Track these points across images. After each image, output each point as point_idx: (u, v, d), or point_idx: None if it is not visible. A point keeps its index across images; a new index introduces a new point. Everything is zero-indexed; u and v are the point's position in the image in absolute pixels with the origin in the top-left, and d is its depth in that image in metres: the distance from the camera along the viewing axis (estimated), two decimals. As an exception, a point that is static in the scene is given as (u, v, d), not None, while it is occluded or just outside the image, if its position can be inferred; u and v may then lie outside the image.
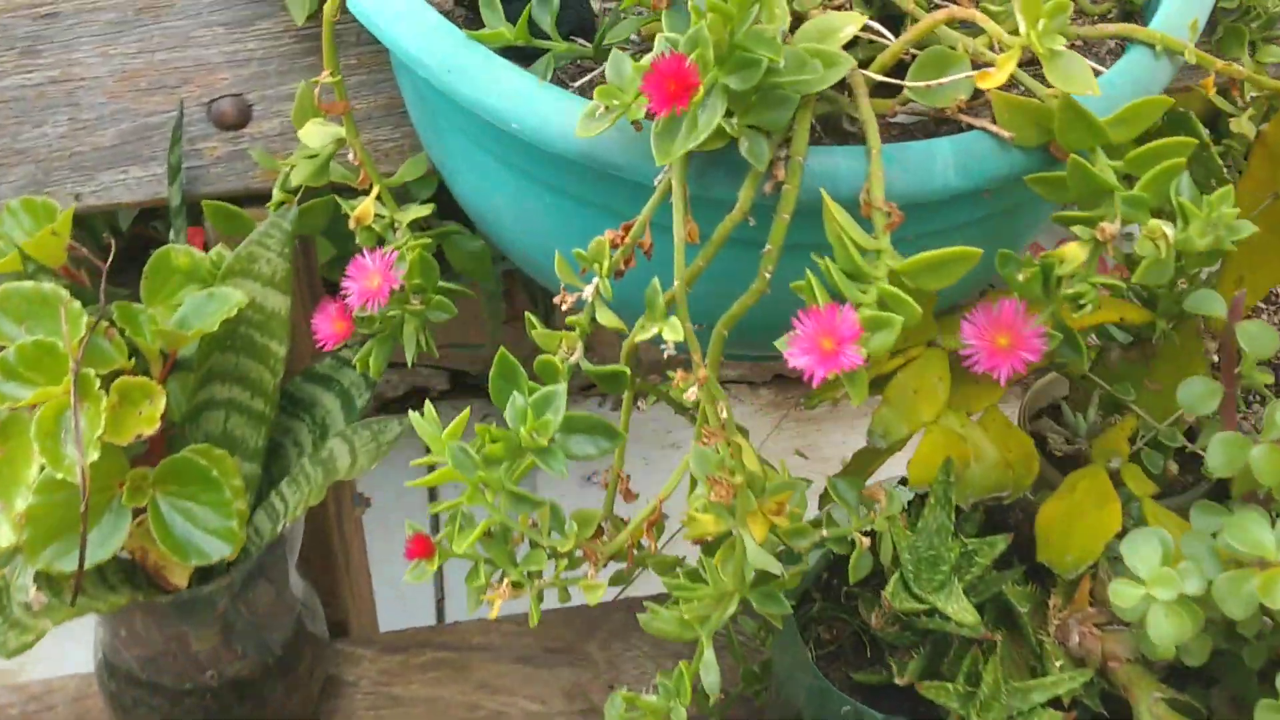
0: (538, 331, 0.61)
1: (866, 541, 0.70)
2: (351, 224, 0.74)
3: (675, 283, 0.58)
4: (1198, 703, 0.70)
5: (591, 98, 0.58)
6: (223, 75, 0.80)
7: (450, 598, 1.57)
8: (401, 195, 0.76)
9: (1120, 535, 0.69)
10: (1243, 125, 0.74)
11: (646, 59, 0.56)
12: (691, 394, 0.60)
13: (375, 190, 0.74)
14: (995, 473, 0.73)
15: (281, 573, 0.85)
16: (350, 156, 0.73)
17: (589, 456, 0.61)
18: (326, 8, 0.67)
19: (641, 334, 0.59)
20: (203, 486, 0.74)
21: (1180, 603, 0.60)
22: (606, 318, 0.60)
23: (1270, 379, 0.67)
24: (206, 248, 0.79)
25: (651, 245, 0.59)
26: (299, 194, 0.77)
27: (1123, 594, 0.61)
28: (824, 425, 1.74)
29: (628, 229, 0.59)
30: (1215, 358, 0.75)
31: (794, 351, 0.55)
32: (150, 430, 0.70)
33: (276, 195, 0.78)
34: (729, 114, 0.55)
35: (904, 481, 0.83)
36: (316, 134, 0.74)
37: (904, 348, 0.73)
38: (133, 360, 0.74)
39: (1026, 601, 0.72)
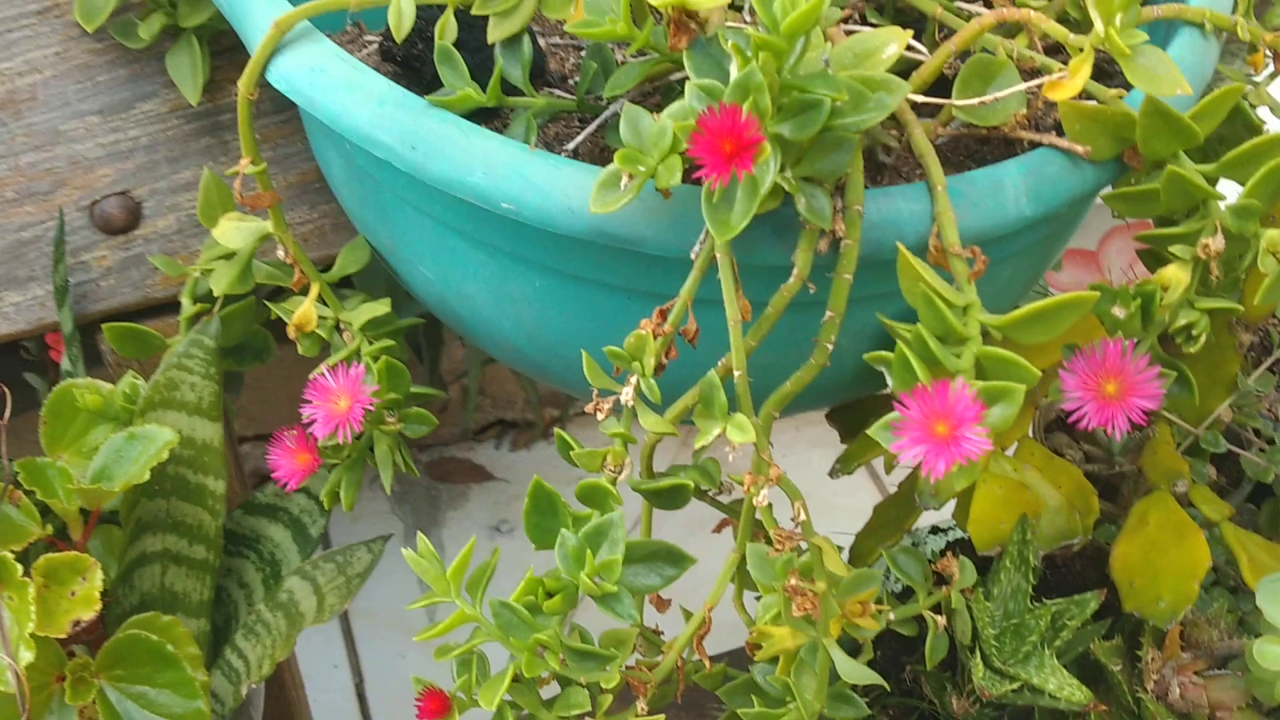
0: (577, 453, 0.50)
1: (942, 621, 0.61)
2: (291, 332, 0.63)
3: (736, 373, 0.49)
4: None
5: (589, 162, 0.49)
6: (103, 172, 0.68)
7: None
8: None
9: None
10: (1265, 96, 0.67)
11: (673, 110, 0.46)
12: (763, 497, 0.50)
13: (315, 290, 0.63)
14: (1062, 519, 0.65)
15: (248, 741, 0.73)
16: (281, 254, 0.62)
17: (653, 588, 0.51)
18: (242, 83, 0.56)
19: (703, 438, 0.49)
20: (156, 666, 0.62)
21: (1334, 654, 0.53)
22: (653, 423, 0.50)
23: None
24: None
25: (698, 331, 0.49)
26: (217, 302, 0.66)
27: (1268, 654, 0.54)
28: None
29: (664, 314, 0.50)
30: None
31: (903, 443, 0.46)
32: (90, 614, 0.58)
33: (187, 306, 0.67)
34: (781, 166, 0.46)
35: (935, 531, 0.75)
36: (235, 232, 0.63)
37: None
38: (47, 525, 0.62)
39: (1117, 659, 0.64)
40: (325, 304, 0.63)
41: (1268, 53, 0.60)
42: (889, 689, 0.69)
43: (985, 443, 0.45)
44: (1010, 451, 0.70)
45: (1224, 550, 0.66)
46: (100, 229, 0.69)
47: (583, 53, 0.61)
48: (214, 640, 0.70)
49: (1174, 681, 0.63)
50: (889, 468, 0.68)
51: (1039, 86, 0.51)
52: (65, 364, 0.69)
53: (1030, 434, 0.82)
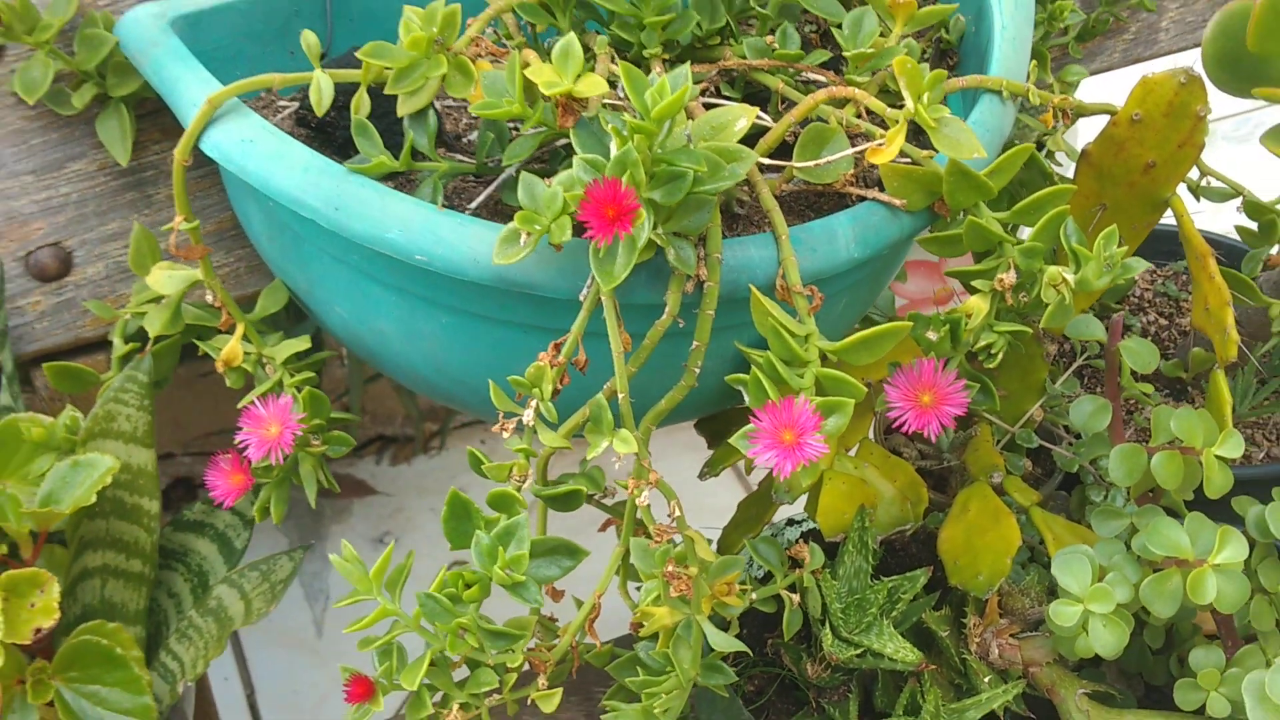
0: (488, 466, 0.59)
1: (796, 598, 0.72)
2: (219, 367, 0.71)
3: (619, 395, 0.58)
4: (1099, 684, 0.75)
5: (486, 217, 0.58)
6: (37, 225, 0.75)
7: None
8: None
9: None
10: (1059, 143, 0.79)
11: (562, 179, 0.56)
12: (644, 499, 0.60)
13: (240, 329, 0.71)
14: (896, 508, 0.76)
15: (183, 735, 0.80)
16: (209, 299, 0.70)
17: (553, 578, 0.60)
18: (177, 152, 0.64)
19: (593, 449, 0.59)
20: (106, 667, 0.69)
21: (1116, 612, 0.65)
22: (550, 439, 0.59)
23: (1150, 389, 0.72)
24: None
25: (587, 361, 0.59)
26: (149, 341, 0.73)
27: (1063, 613, 0.65)
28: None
29: (558, 347, 0.59)
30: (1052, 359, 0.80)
31: (758, 449, 0.56)
32: (50, 622, 0.65)
33: (119, 346, 0.74)
34: (654, 224, 0.56)
35: (790, 523, 0.86)
36: (167, 279, 0.70)
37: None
38: (1, 545, 0.69)
39: (945, 625, 0.75)
40: (249, 341, 0.71)
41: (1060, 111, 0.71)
42: (754, 659, 0.79)
43: (823, 447, 0.55)
44: (853, 452, 0.81)
45: (1036, 531, 0.78)
46: (35, 277, 0.76)
47: (473, 114, 0.70)
48: (148, 647, 0.78)
49: (993, 644, 0.75)
50: (749, 470, 0.78)
51: (864, 151, 0.62)
52: (6, 399, 0.76)
53: (870, 436, 0.93)
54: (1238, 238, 0.84)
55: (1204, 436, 0.65)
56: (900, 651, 0.70)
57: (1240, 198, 0.78)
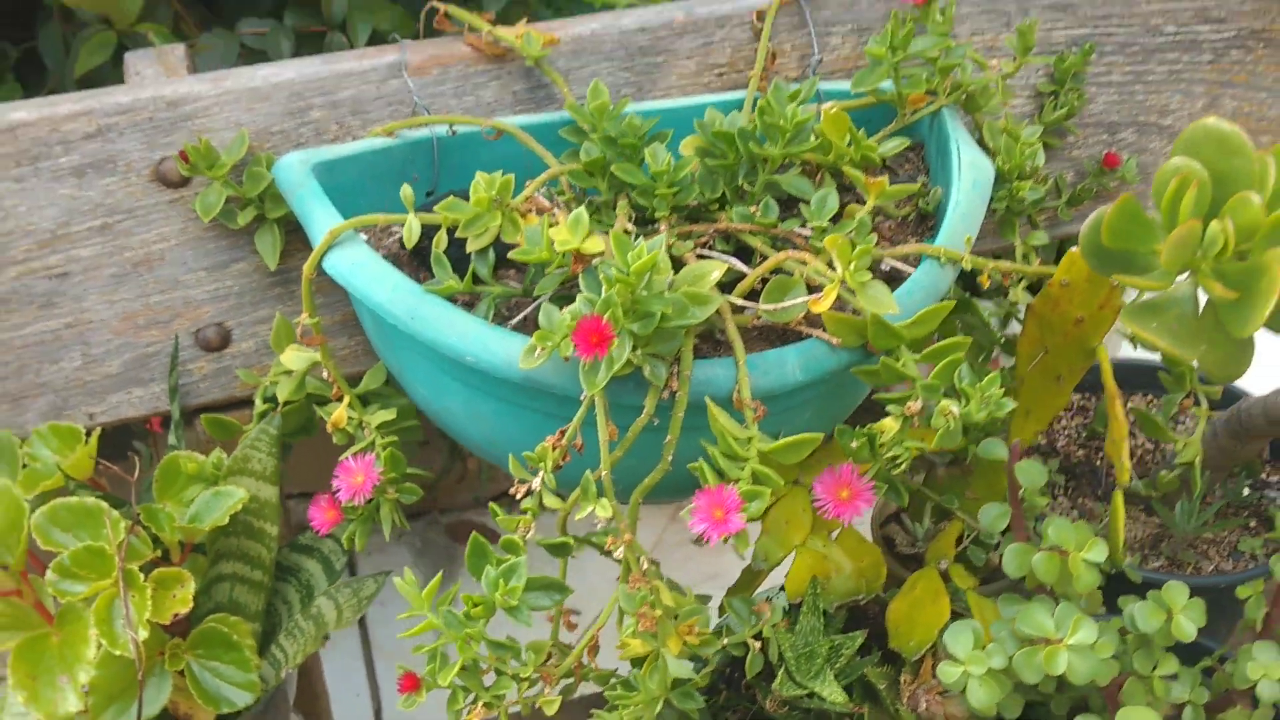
0: (501, 518, 0.80)
1: (758, 645, 0.90)
2: (329, 428, 0.93)
3: (602, 471, 0.78)
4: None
5: (527, 333, 0.79)
6: (206, 309, 0.98)
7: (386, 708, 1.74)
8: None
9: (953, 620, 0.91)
10: (1019, 294, 0.97)
11: (569, 310, 0.76)
12: (619, 553, 0.79)
13: (346, 399, 0.93)
14: (851, 581, 0.94)
15: (284, 713, 1.02)
16: (324, 375, 0.92)
17: (545, 608, 0.80)
18: (306, 267, 0.86)
19: (580, 513, 0.78)
20: (225, 649, 0.91)
21: (990, 675, 0.81)
22: (552, 502, 0.79)
23: (1047, 500, 0.89)
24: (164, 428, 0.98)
25: (583, 444, 0.79)
26: (280, 404, 0.96)
27: (946, 672, 0.82)
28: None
29: (563, 433, 0.79)
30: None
31: (694, 521, 0.75)
32: (185, 609, 0.88)
33: (259, 405, 0.97)
34: (634, 347, 0.76)
35: (782, 589, 1.04)
36: (295, 358, 0.93)
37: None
38: (157, 550, 0.91)
39: (884, 680, 0.92)
40: (353, 410, 0.93)
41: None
42: (728, 694, 0.97)
43: (742, 524, 0.74)
44: (835, 535, 0.99)
45: (968, 612, 0.94)
46: (202, 348, 0.99)
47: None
48: (264, 640, 1.00)
49: (922, 699, 0.92)
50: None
51: (813, 300, 0.81)
52: (171, 439, 0.99)
53: (871, 523, 1.11)
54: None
55: (1076, 543, 0.82)
56: (833, 694, 0.88)
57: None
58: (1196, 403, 0.99)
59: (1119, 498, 0.87)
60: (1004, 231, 1.01)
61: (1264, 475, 1.12)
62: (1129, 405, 1.12)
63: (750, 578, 1.00)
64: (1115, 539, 0.88)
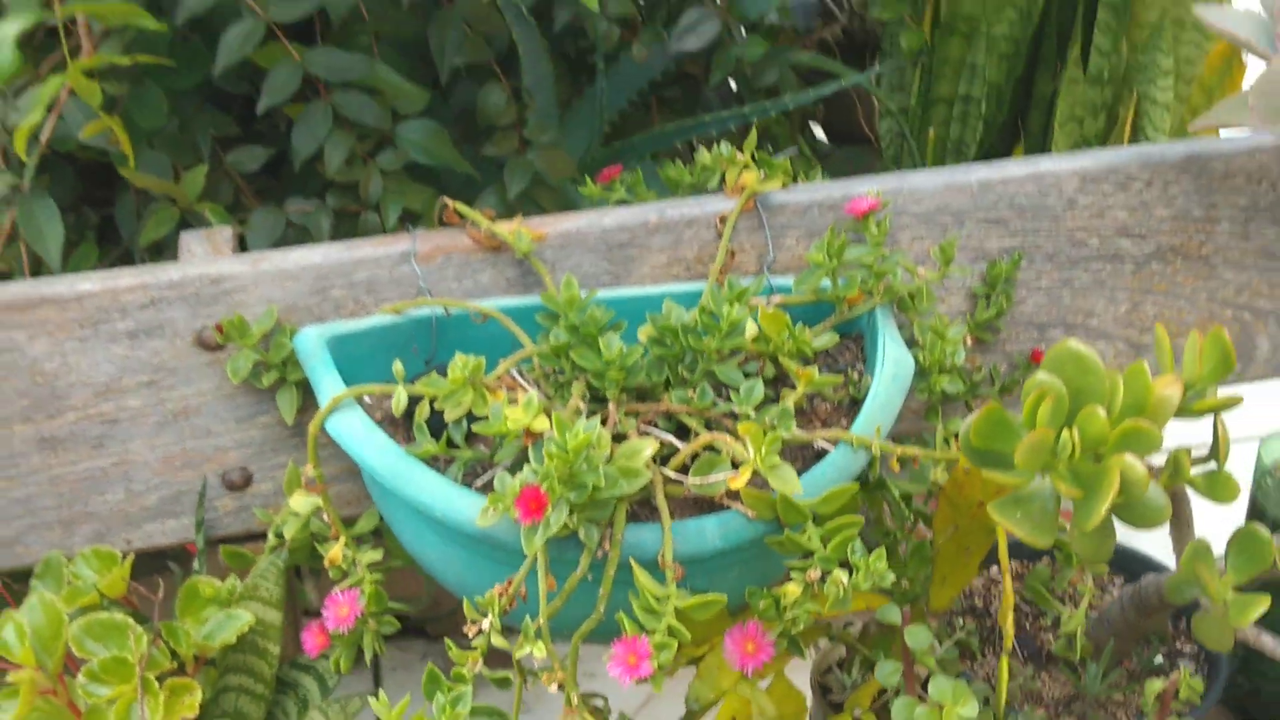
0: (454, 653, 0.93)
1: (685, 776, 1.02)
2: (326, 563, 1.07)
3: (540, 620, 0.92)
4: None
5: (489, 494, 0.93)
6: (233, 454, 1.14)
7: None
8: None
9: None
10: (939, 474, 1.10)
11: (519, 478, 0.90)
12: (554, 688, 0.93)
13: (342, 539, 1.07)
14: (773, 725, 1.06)
15: (276, 811, 1.15)
16: (324, 517, 1.07)
17: (489, 732, 0.93)
18: (311, 427, 1.01)
19: (519, 652, 0.92)
20: (226, 752, 1.05)
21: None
22: (499, 641, 0.93)
23: (932, 661, 1.01)
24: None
25: (526, 593, 0.93)
26: (288, 539, 1.11)
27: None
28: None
29: (510, 583, 0.93)
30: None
31: (612, 665, 0.88)
32: (192, 715, 1.02)
33: (271, 540, 1.12)
34: (570, 513, 0.90)
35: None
36: (302, 503, 1.08)
37: (708, 638, 1.07)
38: (174, 662, 1.06)
39: (797, 813, 1.04)
40: (348, 548, 1.08)
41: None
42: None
43: (651, 670, 0.87)
44: (765, 683, 1.11)
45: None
46: (226, 488, 1.15)
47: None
48: (262, 746, 1.13)
49: (830, 833, 1.03)
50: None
51: (730, 478, 0.95)
52: (196, 565, 1.14)
53: (812, 671, 1.23)
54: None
55: (953, 699, 0.94)
56: (745, 825, 1.00)
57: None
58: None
59: (1004, 662, 0.99)
60: (928, 416, 1.14)
61: (1178, 645, 1.22)
62: (1029, 575, 1.23)
63: (690, 717, 1.13)
64: (998, 698, 0.99)
